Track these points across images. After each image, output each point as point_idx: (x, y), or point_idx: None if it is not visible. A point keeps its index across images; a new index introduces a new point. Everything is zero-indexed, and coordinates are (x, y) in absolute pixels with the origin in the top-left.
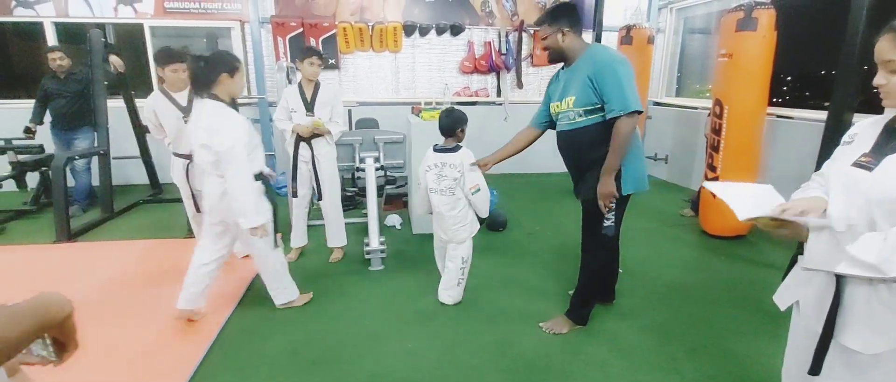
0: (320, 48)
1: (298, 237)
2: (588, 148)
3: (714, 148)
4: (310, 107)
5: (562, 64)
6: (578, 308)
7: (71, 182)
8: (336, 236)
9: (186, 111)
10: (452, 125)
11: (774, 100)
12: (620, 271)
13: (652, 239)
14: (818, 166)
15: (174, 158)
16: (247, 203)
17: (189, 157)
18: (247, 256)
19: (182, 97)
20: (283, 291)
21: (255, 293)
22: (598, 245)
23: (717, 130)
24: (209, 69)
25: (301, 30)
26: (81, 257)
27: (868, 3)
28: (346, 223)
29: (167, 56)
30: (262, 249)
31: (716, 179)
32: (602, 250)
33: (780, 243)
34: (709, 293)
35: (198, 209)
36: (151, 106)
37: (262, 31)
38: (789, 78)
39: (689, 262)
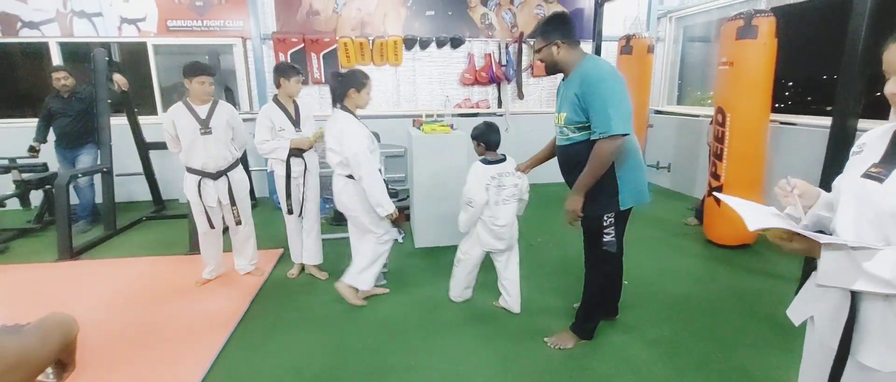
0: (321, 63)
1: (297, 254)
2: (579, 165)
3: (717, 156)
4: (296, 123)
5: (561, 75)
6: (583, 323)
7: (75, 199)
8: (315, 253)
9: (205, 124)
10: (499, 139)
11: (777, 106)
12: (625, 282)
13: (656, 249)
14: (824, 172)
15: (187, 174)
16: (379, 195)
17: (202, 172)
18: (249, 272)
19: (203, 110)
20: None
21: (256, 311)
22: (601, 260)
23: (719, 139)
24: (342, 84)
25: (302, 46)
26: (83, 275)
27: (869, 9)
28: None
29: (196, 68)
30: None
31: (719, 188)
32: (605, 264)
33: (787, 254)
34: (715, 305)
35: (211, 226)
36: (171, 117)
37: (264, 47)
38: (791, 84)
39: (694, 272)
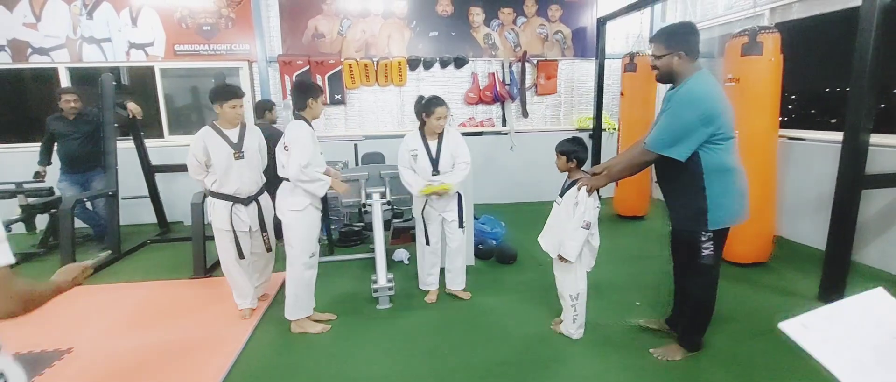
0: (326, 85)
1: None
2: (671, 176)
3: None
4: None
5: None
6: (692, 335)
7: (79, 223)
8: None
9: (237, 147)
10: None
11: (783, 120)
12: (636, 303)
13: (667, 268)
14: (838, 187)
15: (215, 200)
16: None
17: (234, 198)
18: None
19: (233, 134)
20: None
21: (258, 339)
22: (699, 274)
23: None
24: (417, 110)
25: (307, 67)
26: (87, 299)
27: (876, 24)
28: (352, 260)
29: (227, 92)
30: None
31: None
32: (703, 277)
33: (804, 268)
34: (733, 325)
35: (241, 255)
36: (202, 142)
37: (270, 69)
38: (793, 97)
39: None
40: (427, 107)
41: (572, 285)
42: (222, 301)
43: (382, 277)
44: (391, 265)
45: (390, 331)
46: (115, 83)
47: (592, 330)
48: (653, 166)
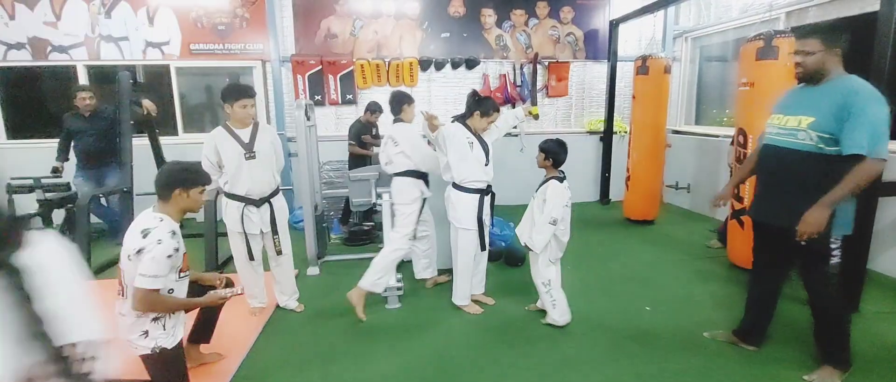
0: (337, 85)
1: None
2: (805, 175)
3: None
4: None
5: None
6: (841, 352)
7: (97, 218)
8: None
9: (249, 148)
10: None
11: None
12: (647, 308)
13: (679, 273)
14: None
15: (228, 201)
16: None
17: (245, 199)
18: (294, 308)
19: (245, 134)
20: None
21: (268, 335)
22: (825, 283)
23: (741, 160)
24: (471, 103)
25: (320, 68)
26: (100, 294)
27: (895, 28)
28: (362, 259)
29: (238, 91)
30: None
31: (743, 210)
32: (831, 287)
33: None
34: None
35: (251, 257)
36: (213, 143)
37: (283, 69)
38: None
39: (719, 298)
40: (485, 108)
41: (541, 272)
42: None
43: (392, 277)
44: (401, 264)
45: (399, 331)
46: (131, 81)
47: (600, 335)
48: (764, 156)
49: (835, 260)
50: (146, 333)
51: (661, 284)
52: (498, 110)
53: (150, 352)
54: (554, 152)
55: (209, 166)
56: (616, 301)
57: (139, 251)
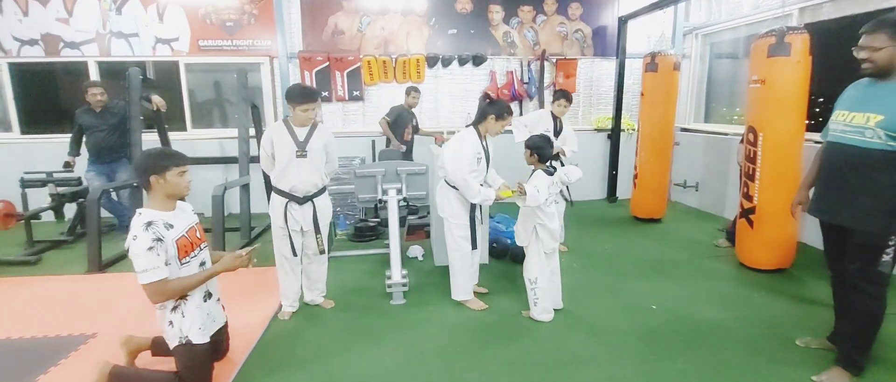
0: (345, 81)
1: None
2: (873, 174)
3: (749, 177)
4: None
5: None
6: (857, 355)
7: (107, 212)
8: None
9: (302, 147)
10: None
11: (811, 123)
12: (653, 307)
13: (686, 272)
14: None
15: (275, 196)
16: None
17: (290, 195)
18: (321, 304)
19: (302, 133)
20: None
21: (274, 330)
22: (872, 283)
23: (751, 159)
24: (485, 107)
25: (327, 64)
26: (111, 287)
27: None
28: (367, 255)
29: (302, 95)
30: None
31: (752, 209)
32: (878, 287)
33: (825, 277)
34: (750, 333)
35: (293, 253)
36: (270, 136)
37: (290, 65)
38: (821, 100)
39: (727, 298)
40: (499, 110)
41: (530, 269)
42: (242, 292)
43: (397, 272)
44: (405, 261)
45: (403, 327)
46: (141, 77)
47: (605, 334)
48: (829, 153)
49: (887, 259)
50: (171, 323)
51: (667, 283)
52: (511, 113)
53: (178, 342)
54: (539, 147)
55: (265, 157)
56: (623, 300)
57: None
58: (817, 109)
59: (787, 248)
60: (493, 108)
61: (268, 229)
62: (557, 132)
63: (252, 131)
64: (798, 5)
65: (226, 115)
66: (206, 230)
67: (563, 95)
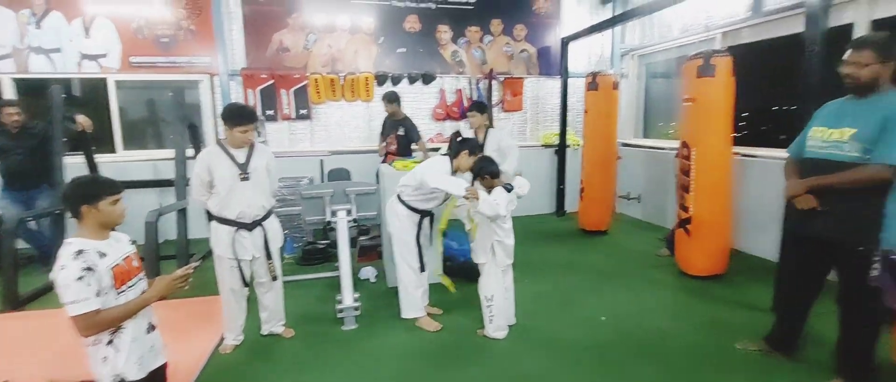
0: (291, 99)
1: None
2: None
3: (685, 188)
4: None
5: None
6: (858, 369)
7: (25, 243)
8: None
9: (244, 168)
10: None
11: (738, 137)
12: (602, 318)
13: (631, 282)
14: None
15: (217, 225)
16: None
17: (237, 223)
18: (281, 334)
19: (241, 154)
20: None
21: (216, 364)
22: (862, 297)
23: (686, 172)
24: (458, 144)
25: (272, 81)
26: (28, 326)
27: (820, 46)
28: (316, 279)
29: (239, 116)
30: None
31: (689, 220)
32: (869, 301)
33: (760, 280)
34: (693, 339)
35: (245, 283)
36: (207, 161)
37: (232, 82)
38: (746, 115)
39: (670, 306)
40: (472, 148)
41: (486, 286)
42: (178, 324)
43: (348, 296)
44: (357, 283)
45: (356, 354)
46: (64, 95)
47: (559, 349)
48: (806, 168)
49: (876, 272)
50: (105, 358)
51: (615, 294)
52: (482, 149)
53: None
54: (490, 171)
55: (199, 185)
56: (573, 313)
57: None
58: (743, 124)
59: (722, 255)
60: (466, 145)
61: (209, 255)
62: (480, 147)
63: (190, 152)
64: (721, 29)
65: (161, 135)
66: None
67: (474, 105)
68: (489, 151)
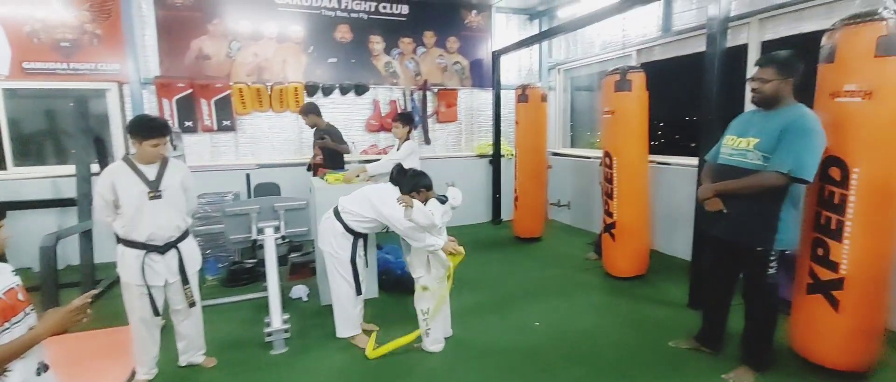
0: (212, 110)
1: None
2: (754, 193)
3: (609, 195)
4: None
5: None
6: (762, 355)
7: None
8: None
9: (154, 186)
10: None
11: (653, 144)
12: (536, 323)
13: (563, 287)
14: (697, 206)
15: (124, 249)
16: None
17: (147, 246)
18: (202, 364)
19: (151, 171)
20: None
21: None
22: (764, 293)
23: (609, 179)
24: (419, 181)
25: (190, 91)
26: None
27: (718, 64)
28: (243, 301)
29: (148, 130)
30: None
31: (613, 225)
32: (768, 297)
33: (676, 278)
34: (623, 340)
35: (155, 312)
36: (110, 179)
37: (145, 92)
38: (662, 124)
39: (599, 308)
40: (429, 184)
41: (423, 299)
42: (79, 361)
43: (277, 318)
44: (288, 303)
45: (286, 379)
46: None
47: (494, 357)
48: (716, 173)
49: (772, 271)
50: None
51: (548, 298)
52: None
53: None
54: (425, 184)
55: (102, 205)
56: (508, 320)
57: None
58: (659, 133)
59: (643, 256)
60: (423, 181)
61: (117, 282)
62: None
63: (96, 168)
64: (636, 47)
65: (61, 148)
66: (34, 289)
67: (398, 116)
68: (401, 157)
